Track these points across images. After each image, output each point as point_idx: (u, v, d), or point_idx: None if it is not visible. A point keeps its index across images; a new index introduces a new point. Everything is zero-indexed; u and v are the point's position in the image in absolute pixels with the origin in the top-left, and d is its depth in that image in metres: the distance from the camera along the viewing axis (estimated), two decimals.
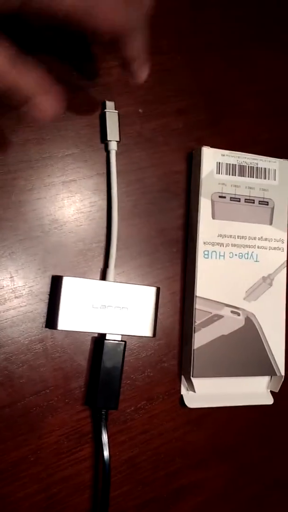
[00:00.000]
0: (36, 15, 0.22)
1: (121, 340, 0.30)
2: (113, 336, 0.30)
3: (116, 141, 0.32)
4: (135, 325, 0.30)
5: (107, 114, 0.32)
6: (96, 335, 0.31)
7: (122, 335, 0.30)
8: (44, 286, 0.30)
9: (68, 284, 0.29)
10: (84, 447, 0.31)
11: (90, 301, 0.29)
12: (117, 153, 0.32)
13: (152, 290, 0.31)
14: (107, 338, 0.30)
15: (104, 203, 0.32)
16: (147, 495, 0.33)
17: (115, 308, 0.30)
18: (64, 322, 0.29)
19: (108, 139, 0.31)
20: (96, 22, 0.23)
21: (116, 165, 0.32)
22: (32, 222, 0.30)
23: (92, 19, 0.23)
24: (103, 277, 0.31)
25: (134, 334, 0.30)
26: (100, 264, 0.32)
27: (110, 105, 0.32)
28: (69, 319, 0.29)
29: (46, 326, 0.30)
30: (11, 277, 0.29)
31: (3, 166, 0.29)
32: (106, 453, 0.29)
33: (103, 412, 0.30)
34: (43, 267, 0.30)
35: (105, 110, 0.32)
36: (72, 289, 0.29)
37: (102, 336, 0.31)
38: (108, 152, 0.32)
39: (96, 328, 0.29)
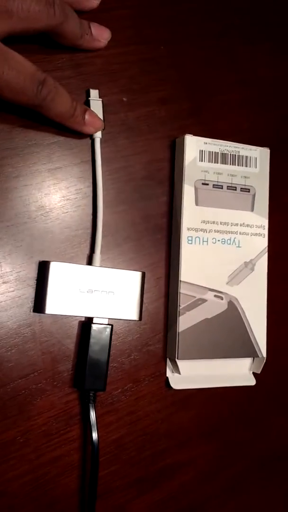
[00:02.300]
0: None
1: (108, 324, 0.31)
2: (100, 319, 0.31)
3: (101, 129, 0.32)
4: (122, 309, 0.31)
5: (91, 102, 0.32)
6: (83, 319, 0.32)
7: (109, 318, 0.31)
8: (31, 272, 0.30)
9: (56, 269, 0.30)
10: (72, 429, 0.31)
11: (77, 286, 0.30)
12: (101, 141, 0.33)
13: (138, 274, 0.32)
14: (94, 321, 0.31)
15: (89, 190, 0.33)
16: (134, 474, 0.33)
17: (101, 293, 0.31)
18: (52, 306, 0.29)
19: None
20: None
21: (101, 152, 0.33)
22: (18, 209, 0.31)
23: None
24: (90, 262, 0.32)
25: (121, 317, 0.31)
26: (86, 250, 0.32)
27: (94, 93, 0.33)
28: (57, 303, 0.29)
29: (34, 311, 0.30)
30: None
31: None
32: (94, 434, 0.30)
33: (91, 394, 0.31)
34: (30, 253, 0.31)
35: (89, 98, 0.32)
36: (59, 274, 0.30)
37: (89, 320, 0.31)
38: (92, 140, 0.33)
39: (83, 312, 0.30)
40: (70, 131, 0.32)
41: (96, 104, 0.32)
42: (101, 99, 0.33)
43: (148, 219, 0.34)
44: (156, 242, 0.35)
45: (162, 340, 0.34)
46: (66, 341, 0.31)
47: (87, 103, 0.32)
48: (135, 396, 0.33)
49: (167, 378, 0.34)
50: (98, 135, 0.32)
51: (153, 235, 0.35)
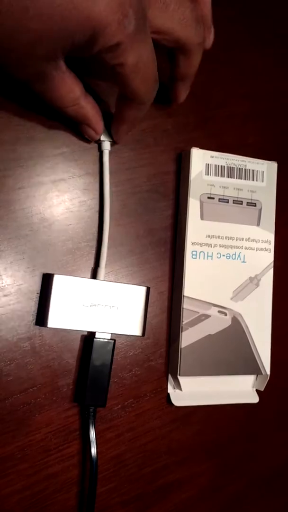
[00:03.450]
0: None
1: (111, 339, 0.31)
2: (102, 334, 0.31)
3: (110, 141, 0.32)
4: (125, 324, 0.31)
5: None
6: (85, 333, 0.31)
7: (111, 333, 0.31)
8: (32, 285, 0.30)
9: (59, 282, 0.29)
10: (71, 444, 0.31)
11: (80, 300, 0.30)
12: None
13: (142, 289, 0.31)
14: (96, 336, 0.30)
15: (93, 203, 0.32)
16: (134, 491, 0.33)
17: (105, 307, 0.30)
18: (54, 320, 0.29)
19: (101, 139, 0.32)
20: None
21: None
22: (21, 221, 0.30)
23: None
24: (94, 275, 0.32)
25: (124, 333, 0.31)
26: (89, 264, 0.32)
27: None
28: (59, 317, 0.29)
29: (36, 324, 0.30)
30: None
31: None
32: (93, 450, 0.30)
33: (91, 409, 0.30)
34: (32, 265, 0.30)
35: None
36: (63, 287, 0.29)
37: (91, 335, 0.31)
38: (101, 152, 0.32)
39: (85, 326, 0.30)
40: (75, 142, 0.31)
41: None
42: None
43: (152, 233, 0.34)
44: (160, 256, 0.34)
45: (164, 356, 0.34)
46: (67, 355, 0.31)
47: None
48: (135, 412, 0.33)
49: (168, 394, 0.34)
50: (107, 147, 0.32)
51: (157, 248, 0.34)
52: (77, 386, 0.31)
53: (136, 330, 0.31)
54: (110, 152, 0.33)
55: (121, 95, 0.28)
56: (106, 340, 0.31)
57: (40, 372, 0.30)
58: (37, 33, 0.22)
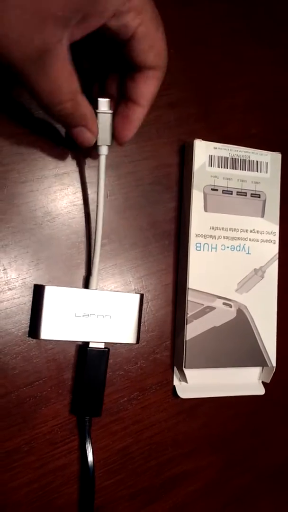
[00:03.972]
0: None
1: (105, 348, 0.30)
2: (96, 344, 0.30)
3: (107, 145, 0.29)
4: (119, 332, 0.30)
5: (99, 116, 0.28)
6: (79, 343, 0.31)
7: (105, 342, 0.30)
8: (37, 278, 0.30)
9: (50, 293, 0.29)
10: (77, 437, 0.31)
11: (73, 310, 0.29)
12: (109, 147, 0.32)
13: (136, 297, 0.31)
14: (90, 346, 0.30)
15: (96, 196, 0.32)
16: (140, 484, 0.33)
17: (98, 317, 0.30)
18: (47, 332, 0.28)
19: (98, 143, 0.28)
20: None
21: (108, 158, 0.32)
22: (25, 215, 0.30)
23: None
24: (86, 285, 0.31)
25: (117, 341, 0.30)
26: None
27: (103, 103, 0.28)
28: (52, 329, 0.28)
29: (29, 335, 0.30)
30: (4, 269, 0.29)
31: None
32: (90, 457, 0.30)
33: (86, 419, 0.30)
34: (36, 259, 0.30)
35: (97, 110, 0.27)
36: (54, 298, 0.29)
37: (85, 344, 0.30)
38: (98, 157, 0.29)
39: (79, 336, 0.29)
40: None
41: (104, 118, 0.28)
42: (111, 111, 0.28)
43: (156, 225, 0.34)
44: (164, 249, 0.34)
45: (169, 348, 0.34)
46: (72, 348, 0.31)
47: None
48: (141, 405, 0.33)
49: (174, 386, 0.34)
50: (104, 152, 0.29)
51: (161, 241, 0.34)
52: (73, 397, 0.31)
53: (131, 338, 0.30)
54: (112, 146, 0.32)
55: (133, 68, 0.26)
56: (100, 349, 0.30)
57: (45, 365, 0.30)
58: None
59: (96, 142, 0.28)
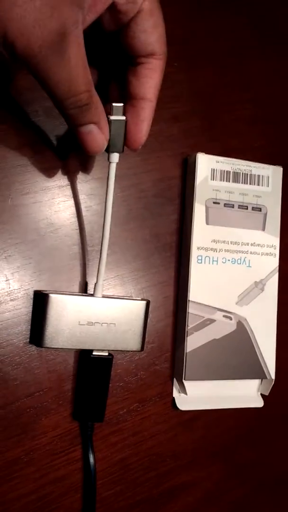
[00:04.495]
0: None
1: (108, 355, 0.30)
2: (100, 351, 0.30)
3: (119, 152, 0.27)
4: (123, 339, 0.30)
5: (113, 123, 0.26)
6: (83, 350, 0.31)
7: (109, 350, 0.30)
8: (39, 289, 0.30)
9: (54, 302, 0.28)
10: (76, 448, 0.31)
11: (77, 318, 0.29)
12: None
13: (142, 304, 0.30)
14: (93, 354, 0.30)
15: (99, 208, 0.33)
16: (139, 495, 0.33)
17: (102, 324, 0.29)
18: (50, 340, 0.28)
19: (110, 150, 0.27)
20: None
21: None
22: (28, 226, 0.30)
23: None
24: (90, 292, 0.31)
25: (122, 349, 0.30)
26: (95, 268, 0.32)
27: (117, 108, 0.26)
28: (55, 337, 0.28)
29: (31, 342, 0.30)
30: (6, 280, 0.30)
31: (0, 171, 0.30)
32: (91, 460, 0.30)
33: (89, 425, 0.30)
34: (38, 270, 0.30)
35: (110, 117, 0.26)
36: (58, 306, 0.28)
37: (88, 351, 0.30)
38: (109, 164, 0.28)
39: (82, 345, 0.29)
40: (81, 148, 0.32)
41: (117, 125, 0.26)
42: (124, 117, 0.26)
43: (158, 237, 0.34)
44: (165, 260, 0.34)
45: (169, 360, 0.34)
46: (72, 359, 0.31)
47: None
48: (140, 416, 0.33)
49: (173, 398, 0.34)
50: (115, 160, 0.28)
51: (163, 253, 0.34)
52: (76, 403, 0.31)
53: (135, 345, 0.30)
54: None
55: (133, 72, 0.26)
56: (104, 357, 0.30)
57: (46, 376, 0.30)
58: None
59: (107, 149, 0.27)
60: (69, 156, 0.32)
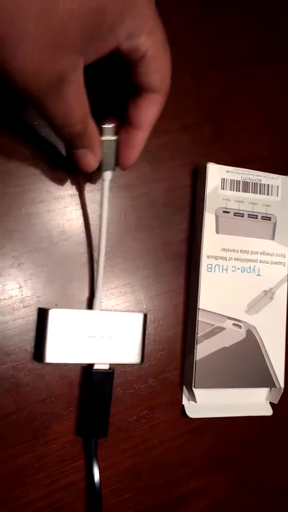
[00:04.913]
0: None
1: (109, 369, 0.30)
2: (101, 365, 0.30)
3: (112, 170, 0.29)
4: (123, 352, 0.30)
5: (104, 143, 0.28)
6: (84, 364, 0.31)
7: (110, 364, 0.30)
8: (51, 297, 0.31)
9: (54, 317, 0.29)
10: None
11: (77, 332, 0.29)
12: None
13: (139, 316, 0.31)
14: (94, 368, 0.30)
15: (109, 216, 0.33)
16: (148, 502, 0.33)
17: (102, 338, 0.30)
18: (52, 355, 0.29)
19: (103, 170, 0.29)
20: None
21: (122, 180, 0.33)
22: (41, 234, 0.31)
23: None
24: (90, 306, 0.31)
25: (122, 362, 0.30)
26: (108, 275, 0.32)
27: (108, 129, 0.27)
28: (57, 352, 0.29)
29: (34, 358, 0.30)
30: (19, 287, 0.30)
31: (14, 180, 0.30)
32: (96, 476, 0.30)
33: (92, 440, 0.30)
34: (51, 278, 0.31)
35: (102, 138, 0.27)
36: (59, 321, 0.29)
37: (90, 366, 0.31)
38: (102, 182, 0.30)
39: (83, 359, 0.29)
40: None
41: (109, 145, 0.28)
42: (115, 137, 0.28)
43: (168, 246, 0.35)
44: (175, 269, 0.35)
45: (178, 368, 0.34)
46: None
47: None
48: (150, 424, 0.33)
49: (183, 406, 0.34)
50: (108, 177, 0.29)
51: (173, 261, 0.35)
52: (79, 418, 0.31)
53: (135, 358, 0.31)
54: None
55: (136, 94, 0.27)
56: (105, 371, 0.30)
57: (58, 383, 0.31)
58: (72, 12, 0.20)
59: (99, 167, 0.28)
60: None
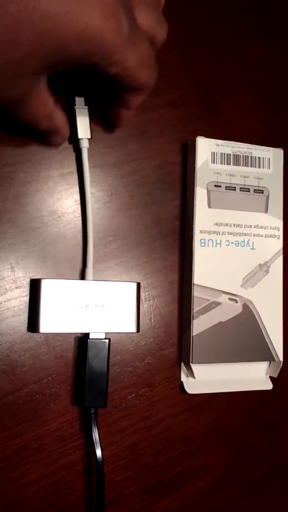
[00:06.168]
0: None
1: (105, 338, 0.30)
2: (96, 334, 0.30)
3: (88, 138, 0.31)
4: (118, 322, 0.30)
5: (77, 111, 0.31)
6: (79, 335, 0.31)
7: (106, 333, 0.30)
8: (44, 276, 0.31)
9: (47, 287, 0.29)
10: (86, 433, 0.31)
11: (71, 302, 0.29)
12: (113, 146, 0.33)
13: (133, 285, 0.31)
14: (90, 337, 0.30)
15: (101, 195, 0.33)
16: (150, 480, 0.33)
17: (96, 307, 0.30)
18: (46, 325, 0.29)
19: (79, 136, 0.31)
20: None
21: (111, 157, 0.33)
22: (31, 214, 0.31)
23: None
24: (82, 277, 0.31)
25: (118, 331, 0.30)
26: (100, 253, 0.32)
27: (79, 101, 0.31)
28: (51, 322, 0.29)
29: (28, 330, 0.30)
30: (11, 268, 0.30)
31: (2, 160, 0.30)
32: (98, 452, 0.29)
33: (92, 411, 0.30)
34: (42, 257, 0.31)
35: (75, 107, 0.31)
36: (52, 291, 0.29)
37: (85, 336, 0.31)
38: (78, 151, 0.32)
39: (78, 328, 0.29)
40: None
41: (82, 112, 0.31)
42: (87, 107, 0.31)
43: (160, 223, 0.34)
44: (169, 246, 0.34)
45: (176, 345, 0.34)
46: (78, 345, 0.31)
47: (72, 112, 0.31)
48: (149, 401, 0.33)
49: (181, 382, 0.34)
50: (85, 145, 0.31)
51: (166, 238, 0.34)
52: (76, 388, 0.31)
53: (131, 327, 0.31)
54: (116, 145, 0.33)
55: (123, 88, 0.27)
56: (101, 340, 0.30)
57: (54, 362, 0.30)
58: (30, 48, 0.21)
59: (77, 135, 0.31)
60: (70, 145, 0.32)
